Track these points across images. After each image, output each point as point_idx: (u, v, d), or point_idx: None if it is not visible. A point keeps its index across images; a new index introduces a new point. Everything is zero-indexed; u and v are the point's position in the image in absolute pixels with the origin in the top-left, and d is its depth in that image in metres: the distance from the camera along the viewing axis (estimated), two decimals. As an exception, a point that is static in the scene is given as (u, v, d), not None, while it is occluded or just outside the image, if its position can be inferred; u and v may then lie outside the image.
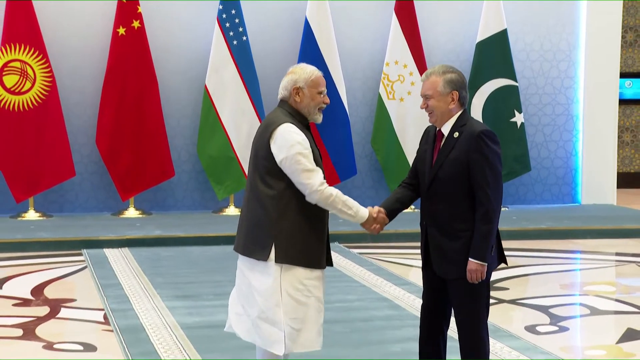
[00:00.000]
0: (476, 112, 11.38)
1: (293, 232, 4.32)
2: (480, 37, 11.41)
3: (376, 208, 4.62)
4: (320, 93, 4.44)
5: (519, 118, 11.42)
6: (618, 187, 12.39)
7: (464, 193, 4.43)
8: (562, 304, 7.40)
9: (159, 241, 9.67)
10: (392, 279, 7.96)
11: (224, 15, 10.88)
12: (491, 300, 7.43)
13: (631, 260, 9.20)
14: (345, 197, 4.38)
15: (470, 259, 4.39)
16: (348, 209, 4.38)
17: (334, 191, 4.32)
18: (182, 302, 7.19)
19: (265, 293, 4.33)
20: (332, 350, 5.91)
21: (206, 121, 10.97)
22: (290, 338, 4.31)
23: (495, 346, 5.99)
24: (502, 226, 10.02)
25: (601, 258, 9.43)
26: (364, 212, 4.45)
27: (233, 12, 10.90)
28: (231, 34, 10.89)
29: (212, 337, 6.20)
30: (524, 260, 9.02)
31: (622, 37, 13.10)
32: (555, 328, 6.69)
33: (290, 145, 4.26)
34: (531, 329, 6.59)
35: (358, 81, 11.51)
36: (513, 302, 7.44)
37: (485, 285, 4.52)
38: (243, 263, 4.47)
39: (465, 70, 11.42)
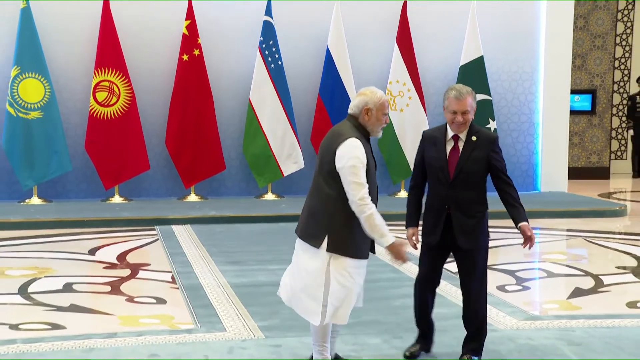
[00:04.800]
0: (459, 120, 11.32)
1: (344, 227, 4.17)
2: (462, 61, 11.36)
3: (410, 231, 4.60)
4: (385, 115, 4.30)
5: (492, 125, 11.37)
6: (569, 178, 12.34)
7: (482, 183, 4.52)
8: (525, 269, 7.40)
9: (213, 220, 9.70)
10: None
11: (264, 45, 10.90)
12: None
13: (579, 235, 9.18)
14: (379, 219, 4.13)
15: (525, 222, 4.50)
16: (376, 228, 4.12)
17: (369, 210, 4.08)
18: (231, 266, 7.22)
19: (313, 273, 4.22)
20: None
21: (250, 127, 10.99)
22: (329, 313, 4.22)
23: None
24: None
25: (555, 233, 9.39)
26: (389, 237, 4.14)
27: (271, 42, 10.92)
28: (269, 59, 10.90)
29: (253, 294, 6.25)
30: (496, 235, 8.96)
31: (572, 62, 13.02)
32: (520, 287, 6.69)
33: (349, 158, 4.11)
34: (501, 288, 6.59)
35: (368, 96, 11.45)
36: (488, 267, 7.36)
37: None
38: (299, 244, 4.36)
39: (450, 88, 11.37)
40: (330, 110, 11.08)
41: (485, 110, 11.34)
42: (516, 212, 4.51)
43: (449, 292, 6.19)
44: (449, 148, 4.50)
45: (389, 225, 4.25)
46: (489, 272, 7.14)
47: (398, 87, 11.16)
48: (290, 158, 11.03)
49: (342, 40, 11.07)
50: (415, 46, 11.25)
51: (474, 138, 4.46)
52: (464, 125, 4.43)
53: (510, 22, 11.77)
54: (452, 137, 4.50)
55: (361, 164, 4.11)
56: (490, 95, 11.39)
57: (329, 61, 11.08)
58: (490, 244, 8.35)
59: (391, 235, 4.15)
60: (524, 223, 4.48)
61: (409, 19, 11.24)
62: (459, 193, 4.45)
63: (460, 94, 4.42)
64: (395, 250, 4.17)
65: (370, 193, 4.15)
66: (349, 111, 4.33)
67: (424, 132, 4.69)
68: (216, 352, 4.80)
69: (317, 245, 4.18)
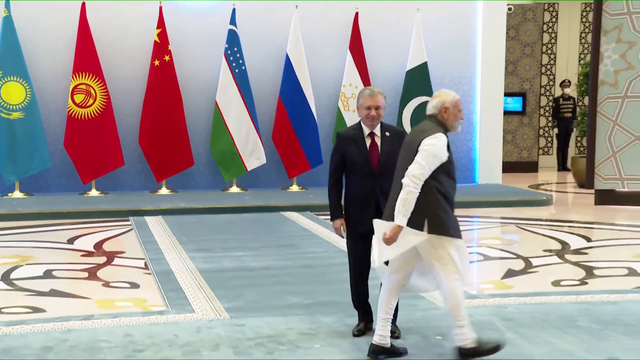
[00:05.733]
0: (406, 120, 11.39)
1: (441, 210, 4.08)
2: (408, 67, 11.41)
3: (339, 222, 4.63)
4: (460, 111, 4.27)
5: (435, 124, 11.42)
6: (502, 171, 12.46)
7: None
8: (464, 253, 7.43)
9: (183, 211, 9.61)
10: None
11: (229, 52, 10.85)
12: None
13: (511, 222, 9.26)
14: (411, 204, 4.02)
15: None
16: (404, 207, 4.02)
17: (415, 189, 4.01)
18: (200, 253, 7.16)
19: (441, 255, 4.14)
20: (307, 287, 5.93)
21: (216, 126, 10.93)
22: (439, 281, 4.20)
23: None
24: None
25: (491, 221, 9.47)
26: (405, 221, 4.03)
27: (235, 49, 10.87)
28: (234, 64, 10.85)
29: (219, 278, 6.19)
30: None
31: (505, 68, 13.16)
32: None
33: (430, 145, 4.04)
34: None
35: (323, 97, 11.47)
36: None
37: None
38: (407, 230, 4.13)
39: (398, 90, 11.43)
40: (290, 110, 11.06)
41: (429, 110, 11.41)
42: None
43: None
44: (368, 144, 4.57)
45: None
46: (432, 256, 7.26)
47: (351, 90, 11.16)
48: (254, 154, 11.00)
49: (300, 46, 11.05)
50: (366, 52, 11.27)
51: (387, 134, 4.59)
52: (378, 119, 4.55)
53: (451, 32, 11.84)
54: (369, 134, 4.59)
55: (435, 155, 4.04)
56: (433, 98, 11.44)
57: (288, 66, 11.05)
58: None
59: (405, 220, 4.07)
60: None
61: (360, 27, 11.26)
62: (384, 182, 4.51)
63: (373, 92, 4.57)
64: (395, 234, 4.06)
65: (451, 188, 4.14)
66: (428, 112, 4.28)
67: (339, 133, 4.69)
68: (185, 332, 4.75)
69: (420, 228, 4.08)
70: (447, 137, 4.15)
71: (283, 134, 11.12)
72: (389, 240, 4.07)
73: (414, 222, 4.05)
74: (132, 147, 10.88)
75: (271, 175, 11.37)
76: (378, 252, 4.18)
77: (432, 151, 4.02)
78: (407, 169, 4.08)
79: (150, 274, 6.41)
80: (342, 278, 5.87)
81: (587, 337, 4.62)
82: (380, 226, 4.18)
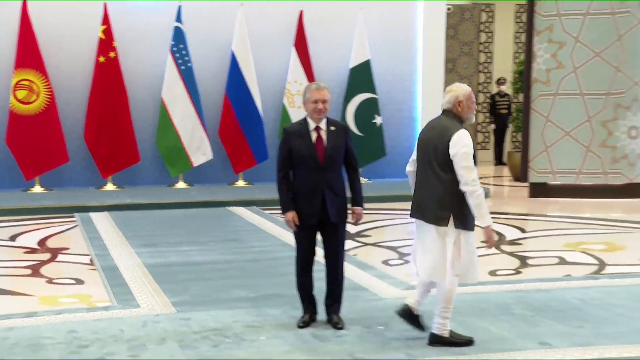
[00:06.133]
0: (350, 116, 11.44)
1: (464, 206, 4.19)
2: (352, 64, 11.45)
3: (290, 215, 4.60)
4: (473, 102, 4.36)
5: (378, 120, 11.52)
6: (443, 166, 12.57)
7: (341, 166, 4.68)
8: (406, 245, 7.46)
9: (129, 207, 9.45)
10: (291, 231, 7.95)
11: (175, 48, 10.72)
12: (358, 243, 7.56)
13: (452, 215, 9.37)
14: (484, 203, 4.17)
15: (358, 207, 4.69)
16: (481, 208, 4.14)
17: (480, 190, 4.15)
18: (146, 249, 7.06)
19: (442, 248, 4.23)
20: (253, 280, 5.91)
21: (162, 122, 10.79)
22: (463, 277, 4.30)
23: (361, 274, 6.05)
24: (367, 193, 10.09)
25: (432, 214, 9.56)
26: (489, 218, 4.17)
27: (181, 46, 10.74)
28: (180, 61, 10.72)
29: (166, 273, 6.13)
30: (383, 216, 9.12)
31: (445, 66, 13.33)
32: (402, 261, 6.78)
33: (462, 146, 4.15)
34: (386, 262, 6.69)
35: (269, 94, 11.42)
36: (374, 244, 7.51)
37: None
38: (425, 225, 4.32)
39: (342, 87, 11.47)
40: (236, 107, 10.99)
41: (372, 107, 11.50)
42: (356, 195, 4.72)
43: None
44: (313, 138, 4.61)
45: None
46: (375, 248, 7.33)
47: (296, 87, 11.13)
48: (200, 150, 10.90)
49: (246, 44, 10.99)
50: (310, 50, 11.27)
51: (332, 128, 4.65)
52: (324, 112, 4.61)
53: (393, 31, 11.93)
54: (315, 128, 4.62)
55: (471, 151, 4.17)
56: (377, 94, 11.53)
57: (233, 63, 10.97)
58: (377, 224, 8.60)
59: (490, 218, 4.16)
60: (358, 207, 4.69)
61: (305, 26, 11.26)
62: (329, 175, 4.59)
63: (320, 86, 4.65)
64: (489, 233, 4.20)
65: None
66: (443, 107, 4.36)
67: (285, 128, 4.74)
68: (131, 327, 4.68)
69: (445, 224, 4.19)
70: (466, 130, 4.25)
71: (229, 129, 11.05)
72: (490, 245, 4.23)
73: (440, 217, 4.20)
74: (77, 143, 10.64)
75: (217, 170, 11.28)
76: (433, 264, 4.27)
77: (467, 150, 4.15)
78: (431, 164, 4.23)
79: (95, 270, 6.29)
80: (288, 271, 5.87)
81: (521, 323, 4.73)
82: (421, 234, 4.32)
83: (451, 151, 4.17)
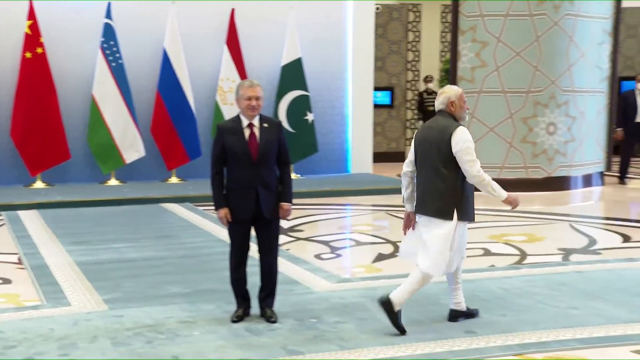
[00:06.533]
0: (282, 113, 11.42)
1: (465, 199, 4.42)
2: (284, 62, 11.44)
3: (223, 211, 4.58)
4: (465, 102, 4.54)
5: (310, 117, 11.54)
6: (373, 162, 12.75)
7: (275, 162, 4.65)
8: (338, 239, 7.54)
9: (60, 204, 9.19)
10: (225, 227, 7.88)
11: (105, 45, 10.50)
12: (292, 238, 7.56)
13: (382, 209, 9.50)
14: (493, 182, 4.41)
15: (287, 202, 4.65)
16: (493, 190, 4.39)
17: (487, 177, 4.38)
18: (77, 246, 6.88)
19: (444, 238, 4.39)
20: (187, 276, 5.83)
21: (93, 119, 10.55)
22: (461, 264, 4.56)
23: (294, 269, 6.05)
24: (300, 189, 10.09)
25: (363, 208, 9.67)
26: (503, 193, 4.41)
27: (111, 43, 10.52)
28: (111, 58, 10.50)
29: (98, 270, 5.98)
30: (315, 211, 9.15)
31: (374, 64, 13.47)
32: (334, 255, 6.79)
33: (463, 141, 4.33)
34: (318, 256, 6.68)
35: (202, 91, 11.31)
36: (307, 239, 7.52)
37: None
38: (427, 220, 4.46)
39: (274, 85, 11.44)
40: (168, 104, 10.83)
41: (304, 104, 11.51)
42: (286, 191, 4.69)
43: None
44: (247, 135, 4.58)
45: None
46: (308, 243, 7.34)
47: (228, 84, 11.05)
48: (132, 147, 10.69)
49: (178, 41, 10.84)
50: (243, 48, 11.21)
51: (265, 125, 4.63)
52: (258, 109, 4.59)
53: (323, 30, 11.97)
54: (248, 125, 4.60)
55: (472, 145, 4.36)
56: (308, 91, 11.55)
57: (165, 60, 10.81)
58: (310, 219, 8.61)
59: (504, 191, 4.41)
60: (287, 204, 4.67)
61: (237, 24, 11.18)
62: (262, 172, 4.57)
63: (253, 83, 4.63)
64: (510, 200, 4.46)
65: None
66: (437, 108, 4.53)
67: (218, 125, 4.71)
68: (62, 325, 4.54)
69: (449, 218, 4.38)
70: (464, 126, 4.44)
71: (162, 127, 10.87)
72: (517, 203, 4.48)
73: (445, 212, 4.37)
74: (4, 140, 10.30)
75: (150, 167, 11.09)
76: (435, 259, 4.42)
77: (470, 145, 4.34)
78: (433, 162, 4.38)
79: (24, 268, 6.08)
80: (222, 267, 5.81)
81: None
82: (423, 227, 4.47)
83: (454, 148, 4.34)
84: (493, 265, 6.28)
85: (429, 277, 4.47)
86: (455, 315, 4.64)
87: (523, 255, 6.67)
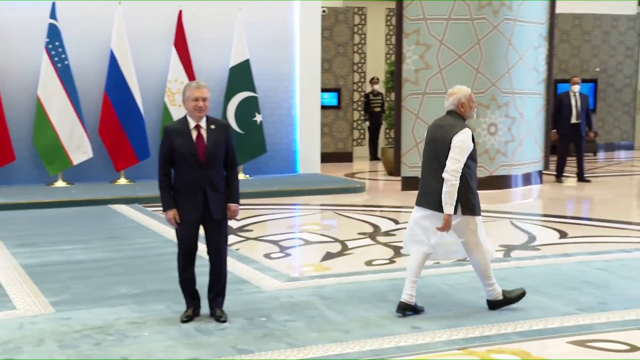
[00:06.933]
0: (231, 114, 11.34)
1: (470, 194, 4.62)
2: (232, 63, 11.36)
3: (172, 212, 4.55)
4: (474, 102, 4.77)
5: (258, 118, 11.49)
6: (321, 162, 12.77)
7: (222, 164, 4.60)
8: (287, 238, 7.52)
9: (5, 206, 8.93)
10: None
11: (50, 46, 10.25)
12: (241, 238, 7.51)
13: (330, 209, 9.52)
14: (455, 194, 4.52)
15: (234, 203, 4.61)
16: (450, 199, 4.51)
17: (456, 182, 4.52)
18: (23, 249, 6.70)
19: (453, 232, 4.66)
20: (136, 277, 5.74)
21: (39, 120, 10.29)
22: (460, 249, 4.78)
23: (243, 268, 6.02)
24: (248, 189, 10.03)
25: (311, 208, 9.68)
26: (451, 209, 4.54)
27: (57, 43, 10.28)
28: (56, 59, 10.25)
29: (45, 273, 5.84)
30: (264, 211, 9.12)
31: (321, 66, 13.51)
32: (283, 254, 6.77)
33: (460, 141, 4.54)
34: (267, 255, 6.66)
35: (150, 92, 11.13)
36: (256, 239, 7.48)
37: None
38: (433, 213, 4.64)
39: (223, 86, 11.35)
40: (116, 105, 10.65)
41: (252, 105, 11.46)
42: (233, 192, 4.65)
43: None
44: (194, 136, 4.54)
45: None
46: (257, 242, 7.32)
47: (177, 85, 10.91)
48: (79, 148, 10.47)
49: (125, 42, 10.66)
50: (191, 49, 11.08)
51: (212, 126, 4.59)
52: (205, 110, 4.55)
53: (271, 32, 11.93)
54: (195, 127, 4.56)
55: (465, 147, 4.53)
56: (256, 93, 11.50)
57: (112, 61, 10.61)
58: (259, 218, 8.58)
59: (452, 209, 4.54)
60: (235, 205, 4.64)
61: (184, 25, 11.05)
62: (210, 173, 4.54)
63: (199, 85, 4.60)
64: (449, 220, 4.57)
65: (475, 168, 4.69)
66: (448, 108, 4.74)
67: (166, 126, 4.66)
68: (6, 330, 4.41)
69: (455, 212, 4.56)
70: (470, 129, 4.65)
71: (109, 128, 10.67)
72: (444, 229, 4.58)
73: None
74: (-54, 142, 9.94)
75: (98, 168, 10.87)
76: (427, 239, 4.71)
77: (463, 146, 4.52)
78: (439, 158, 4.57)
79: (-32, 272, 5.88)
80: (171, 267, 5.74)
81: (395, 309, 4.85)
82: (421, 215, 4.71)
83: (452, 142, 4.56)
84: (438, 262, 6.35)
85: (487, 260, 4.76)
86: (404, 308, 4.70)
87: (466, 251, 6.76)
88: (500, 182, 10.92)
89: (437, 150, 4.63)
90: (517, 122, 10.98)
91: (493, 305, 4.80)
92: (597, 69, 16.99)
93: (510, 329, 4.45)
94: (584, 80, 14.84)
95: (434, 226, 4.66)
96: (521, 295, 4.85)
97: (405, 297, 4.70)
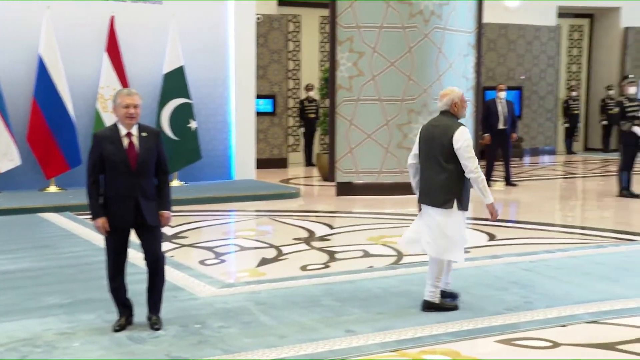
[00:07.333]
0: (165, 121, 11.18)
1: (464, 191, 4.84)
2: (166, 70, 11.20)
3: (101, 220, 4.45)
4: (465, 102, 4.97)
5: (193, 124, 11.36)
6: (257, 168, 12.72)
7: (153, 171, 4.54)
8: (222, 245, 7.46)
9: None
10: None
11: (-24, 50, 9.85)
12: (176, 245, 7.40)
13: (265, 214, 9.47)
14: (486, 184, 4.77)
15: (166, 210, 4.56)
16: (485, 190, 4.76)
17: (482, 175, 4.77)
18: (-54, 260, 6.39)
19: (452, 226, 4.82)
20: (66, 286, 5.59)
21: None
22: (461, 248, 4.90)
23: (178, 275, 5.93)
24: (184, 196, 9.89)
25: (247, 214, 9.62)
26: (491, 197, 4.81)
27: (-17, 47, 9.89)
28: (-18, 63, 9.88)
29: (-30, 285, 5.58)
30: (199, 218, 9.02)
31: (257, 72, 13.48)
32: (218, 260, 6.71)
33: (464, 140, 4.74)
34: (202, 262, 6.59)
35: (81, 99, 10.85)
36: (190, 245, 7.39)
37: None
38: (432, 210, 4.86)
39: (156, 92, 11.18)
40: (46, 112, 10.34)
41: (187, 112, 11.32)
42: (164, 198, 4.60)
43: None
44: (125, 143, 4.47)
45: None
46: (192, 249, 7.22)
47: (109, 92, 10.67)
48: (6, 156, 10.12)
49: (54, 48, 10.36)
50: (123, 55, 10.87)
51: (144, 134, 4.53)
52: (136, 118, 4.49)
53: (206, 38, 11.83)
54: (126, 134, 4.49)
55: (472, 144, 4.78)
56: (191, 99, 11.37)
57: (41, 67, 10.31)
58: (193, 225, 8.47)
59: (492, 196, 4.81)
60: (167, 212, 4.60)
61: (117, 31, 10.84)
62: (142, 181, 4.48)
63: (130, 92, 4.53)
64: (493, 207, 4.84)
65: None
66: (442, 109, 4.95)
67: (95, 134, 4.58)
68: None
69: (450, 207, 4.79)
70: (465, 126, 4.85)
71: (39, 135, 10.35)
72: (496, 215, 4.87)
73: (447, 201, 4.79)
74: None
75: (27, 176, 10.52)
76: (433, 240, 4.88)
77: (469, 143, 4.75)
78: (437, 157, 4.80)
79: None
80: (102, 275, 5.59)
81: (329, 313, 4.88)
82: (429, 215, 4.88)
83: (455, 145, 4.75)
84: (372, 266, 6.42)
85: (443, 264, 4.92)
86: (444, 296, 4.99)
87: (400, 255, 6.86)
88: (432, 187, 11.10)
89: (435, 148, 4.84)
90: (447, 128, 11.19)
91: (428, 307, 4.89)
92: (522, 77, 17.53)
93: (441, 330, 4.53)
94: (509, 88, 15.30)
95: (434, 221, 4.86)
96: (454, 308, 4.94)
97: (443, 286, 5.00)
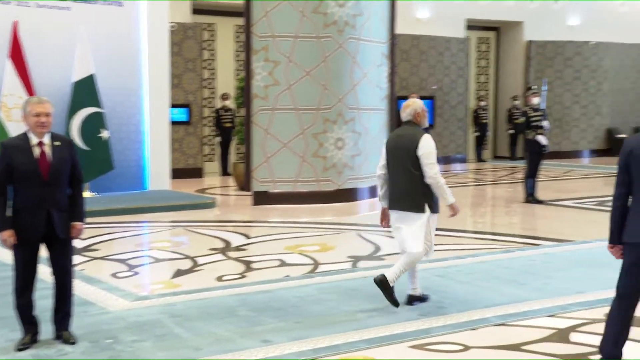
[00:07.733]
0: (75, 130, 10.83)
1: (432, 194, 5.13)
2: (75, 78, 10.86)
3: (8, 233, 4.27)
4: (426, 111, 5.31)
5: (105, 134, 11.06)
6: (172, 178, 12.52)
7: (69, 180, 4.41)
8: (135, 257, 7.30)
9: None
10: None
11: None
12: (87, 258, 7.18)
13: (180, 225, 9.32)
14: (446, 187, 5.12)
15: (79, 222, 4.42)
16: (445, 193, 5.11)
17: (442, 180, 5.09)
18: None
19: (419, 227, 5.14)
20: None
21: None
22: (430, 250, 5.24)
23: (89, 289, 5.75)
24: (95, 207, 9.60)
25: (161, 225, 9.44)
26: (452, 198, 5.17)
27: None
28: None
29: None
30: (111, 229, 8.77)
31: (171, 81, 13.25)
32: (132, 273, 6.57)
33: (427, 147, 5.09)
34: (114, 275, 6.42)
35: (-17, 107, 10.38)
36: (102, 258, 7.19)
37: None
38: (402, 214, 5.22)
39: (66, 101, 10.83)
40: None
41: (98, 121, 11.02)
42: (78, 209, 4.45)
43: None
44: (37, 153, 4.32)
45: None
46: (104, 262, 7.02)
47: (14, 100, 10.25)
48: None
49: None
50: (29, 62, 10.47)
51: (57, 143, 4.40)
52: (48, 126, 4.36)
53: (117, 46, 11.55)
54: (38, 143, 4.35)
55: (434, 151, 5.10)
56: (102, 108, 11.07)
57: (-60, 73, 9.79)
58: (105, 237, 8.25)
59: (453, 197, 5.17)
60: (79, 223, 4.45)
61: (21, 37, 10.43)
62: (54, 191, 4.34)
63: (41, 100, 4.42)
64: (454, 207, 5.23)
65: None
66: (405, 119, 5.28)
67: (3, 143, 4.42)
68: None
69: (422, 211, 5.12)
70: (429, 134, 5.19)
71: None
72: (458, 212, 5.27)
73: (419, 206, 5.12)
74: None
75: None
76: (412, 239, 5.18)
77: (431, 150, 5.09)
78: (405, 164, 5.11)
79: None
80: (5, 292, 5.37)
81: (245, 324, 4.84)
82: (403, 218, 5.20)
83: (419, 152, 5.09)
84: (288, 275, 6.42)
85: (418, 258, 5.20)
86: (411, 300, 5.29)
87: (316, 264, 6.89)
88: (348, 195, 11.24)
89: (403, 157, 5.15)
90: (362, 137, 11.37)
91: (381, 283, 5.20)
92: (434, 87, 18.03)
93: (357, 337, 4.57)
94: (422, 97, 15.69)
95: (405, 225, 5.18)
96: (394, 303, 5.23)
97: (410, 291, 5.32)
